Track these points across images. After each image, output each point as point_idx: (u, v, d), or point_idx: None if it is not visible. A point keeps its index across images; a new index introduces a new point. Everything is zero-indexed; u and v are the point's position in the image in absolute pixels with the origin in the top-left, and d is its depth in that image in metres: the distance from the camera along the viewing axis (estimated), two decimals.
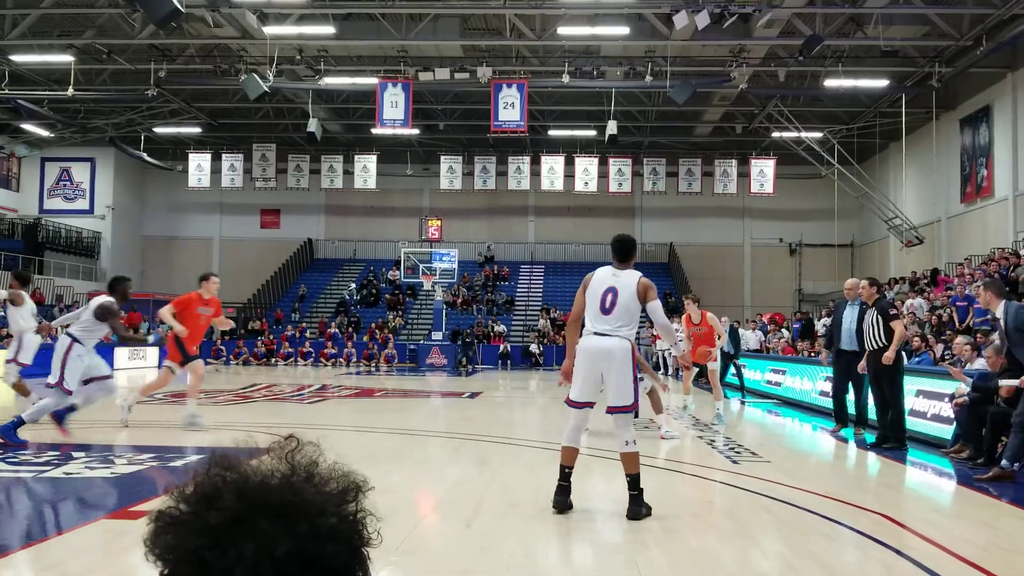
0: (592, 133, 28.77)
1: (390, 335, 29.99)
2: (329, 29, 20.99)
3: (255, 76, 21.80)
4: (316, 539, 0.93)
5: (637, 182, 31.07)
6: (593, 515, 5.82)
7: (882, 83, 23.86)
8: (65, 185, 34.05)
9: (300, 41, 22.09)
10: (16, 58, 22.66)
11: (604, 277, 5.81)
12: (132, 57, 23.36)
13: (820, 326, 19.82)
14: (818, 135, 28.81)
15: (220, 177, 31.16)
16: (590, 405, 5.77)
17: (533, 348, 29.85)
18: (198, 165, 31.21)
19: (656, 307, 5.77)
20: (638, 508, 5.59)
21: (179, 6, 16.03)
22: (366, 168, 30.56)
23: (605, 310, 5.66)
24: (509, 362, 29.05)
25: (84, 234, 33.69)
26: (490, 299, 33.50)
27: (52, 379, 8.58)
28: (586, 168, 30.03)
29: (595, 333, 5.68)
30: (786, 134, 28.57)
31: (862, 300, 9.94)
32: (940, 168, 26.01)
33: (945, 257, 24.95)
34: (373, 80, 23.42)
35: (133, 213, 35.76)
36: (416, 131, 27.82)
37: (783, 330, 22.80)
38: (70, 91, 23.25)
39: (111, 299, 8.90)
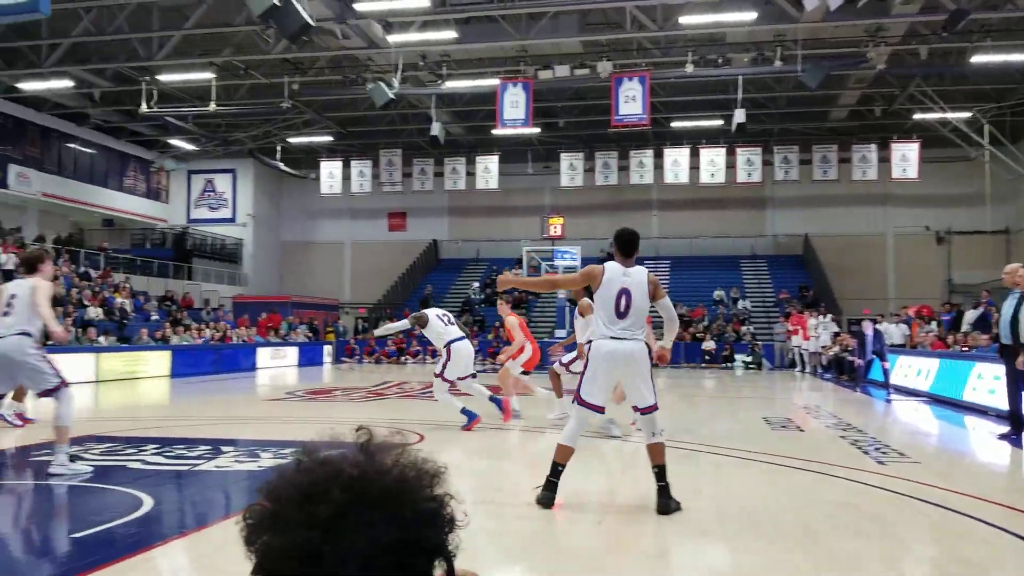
0: (718, 123, 28.04)
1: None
2: (451, 34, 21.30)
3: (381, 84, 22.38)
4: (416, 525, 0.96)
5: (767, 172, 30.06)
6: (726, 517, 5.63)
7: None
8: (210, 195, 36.02)
9: (423, 47, 22.52)
10: (162, 77, 24.11)
11: (614, 277, 5.70)
12: (267, 72, 24.44)
13: (969, 318, 18.57)
14: (966, 115, 27.04)
15: (350, 183, 32.17)
16: (601, 410, 5.75)
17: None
18: (329, 172, 32.34)
19: (667, 303, 5.86)
20: (666, 501, 5.55)
21: (309, 21, 16.64)
22: (488, 169, 30.86)
23: (620, 314, 5.62)
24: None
25: (227, 241, 35.55)
26: None
27: None
28: (712, 159, 29.29)
29: (612, 337, 5.63)
30: (930, 115, 26.95)
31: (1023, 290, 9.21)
32: None
33: None
34: (494, 81, 23.62)
35: (271, 220, 37.43)
36: (536, 130, 27.88)
37: (932, 323, 21.54)
38: (212, 106, 24.58)
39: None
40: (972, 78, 24.91)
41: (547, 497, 5.67)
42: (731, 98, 24.50)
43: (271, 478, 1.00)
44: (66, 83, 24.75)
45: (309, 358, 28.64)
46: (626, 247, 5.83)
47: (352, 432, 1.08)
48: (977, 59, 21.76)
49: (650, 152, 30.17)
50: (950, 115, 26.65)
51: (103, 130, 30.73)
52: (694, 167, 29.42)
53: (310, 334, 30.92)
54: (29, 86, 24.64)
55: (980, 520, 5.33)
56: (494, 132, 26.47)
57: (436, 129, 25.25)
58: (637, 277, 5.72)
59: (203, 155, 33.99)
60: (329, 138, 31.94)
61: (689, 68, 22.18)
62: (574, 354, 10.27)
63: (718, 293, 32.36)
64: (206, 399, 14.77)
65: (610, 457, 8.36)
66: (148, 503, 5.84)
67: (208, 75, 23.73)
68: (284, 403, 12.88)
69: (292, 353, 27.93)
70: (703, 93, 27.17)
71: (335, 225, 37.73)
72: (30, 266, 7.19)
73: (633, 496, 6.31)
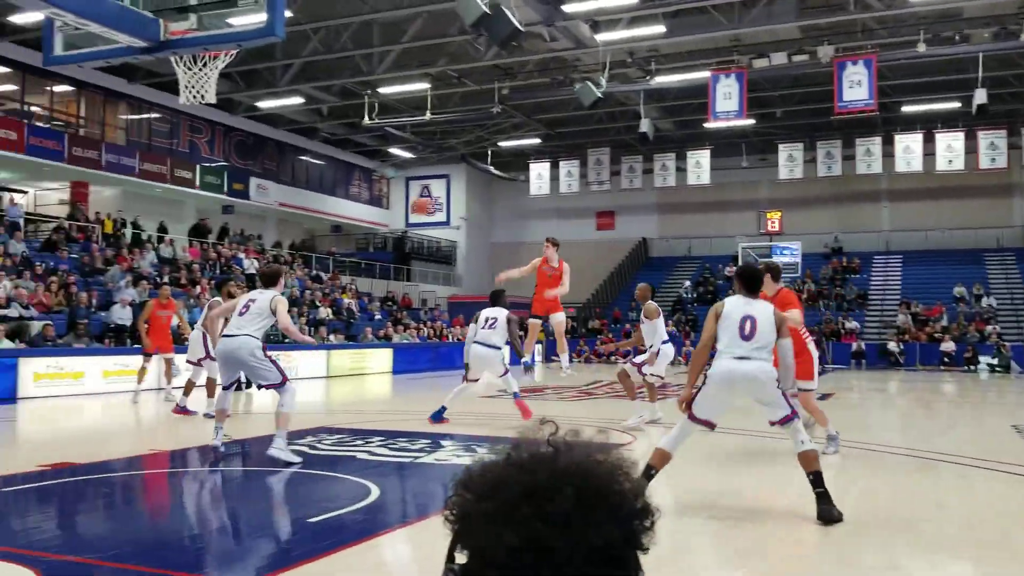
0: (955, 105, 25.66)
1: None
2: (659, 28, 20.93)
3: (588, 84, 22.40)
4: (630, 521, 0.97)
5: (1014, 156, 27.15)
6: (972, 532, 5.04)
7: None
8: (426, 200, 37.74)
9: (631, 44, 22.30)
10: (383, 90, 25.50)
11: (737, 305, 5.74)
12: (479, 78, 25.19)
13: None
14: None
15: (558, 183, 32.52)
16: (710, 426, 5.68)
17: (891, 346, 27.36)
18: (538, 174, 32.85)
19: (787, 345, 5.72)
20: (828, 507, 5.28)
21: (519, 26, 16.93)
22: (699, 164, 30.07)
23: (745, 336, 5.60)
24: (864, 361, 26.92)
25: (442, 244, 37.08)
26: (839, 293, 31.30)
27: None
28: (949, 144, 26.84)
29: (735, 357, 5.58)
30: None
31: None
32: None
33: None
34: (705, 74, 22.96)
35: (483, 222, 38.61)
36: (751, 121, 26.81)
37: None
38: (427, 115, 25.68)
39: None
40: None
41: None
42: (970, 77, 22.34)
43: (475, 473, 1.01)
44: (298, 100, 26.79)
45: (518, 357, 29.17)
46: (750, 283, 5.84)
47: (555, 428, 1.06)
48: None
49: (878, 139, 28.16)
50: None
51: (330, 142, 33.01)
52: (929, 154, 27.12)
53: (521, 333, 31.51)
54: (266, 104, 26.88)
55: None
56: (705, 126, 25.76)
57: (645, 126, 24.92)
58: (762, 308, 5.74)
59: (420, 162, 35.63)
60: (538, 140, 32.45)
61: (921, 48, 20.44)
62: (646, 356, 10.42)
63: (958, 290, 29.64)
64: (425, 395, 15.40)
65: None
66: (375, 492, 6.09)
67: (424, 85, 24.82)
68: (496, 400, 13.16)
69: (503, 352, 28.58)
70: (937, 74, 24.97)
71: (544, 225, 38.24)
72: (271, 280, 7.82)
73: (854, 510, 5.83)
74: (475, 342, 10.50)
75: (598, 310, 33.92)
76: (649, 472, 5.62)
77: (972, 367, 25.26)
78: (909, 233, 32.56)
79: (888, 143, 27.78)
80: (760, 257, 28.80)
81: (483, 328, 10.48)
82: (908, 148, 27.32)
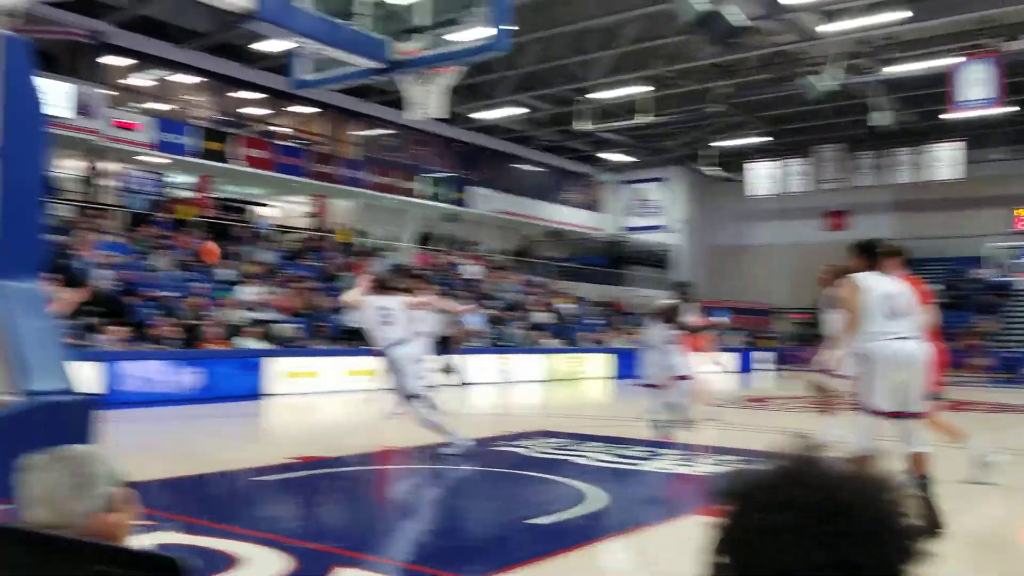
0: None
1: (981, 342, 26.65)
2: (902, 14, 19.44)
3: (814, 78, 21.29)
4: (915, 537, 0.96)
5: None
6: None
7: None
8: (641, 204, 37.46)
9: (863, 33, 20.93)
10: (598, 95, 25.60)
11: (879, 281, 5.33)
12: (697, 78, 24.65)
13: None
14: None
15: (782, 183, 31.17)
16: (888, 415, 5.19)
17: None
18: (760, 174, 31.67)
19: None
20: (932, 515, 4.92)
21: (740, 22, 16.39)
22: (941, 157, 27.69)
23: (899, 312, 5.20)
24: None
25: (659, 248, 36.66)
26: None
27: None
28: None
29: (897, 337, 5.16)
30: None
31: None
32: None
33: None
34: (950, 60, 21.09)
35: (701, 225, 37.74)
36: (1010, 109, 24.29)
37: None
38: (644, 119, 25.50)
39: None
40: None
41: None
42: None
43: (755, 486, 0.98)
44: (516, 110, 27.49)
45: (744, 364, 28.30)
46: (871, 254, 5.52)
47: (820, 444, 1.02)
48: None
49: None
50: None
51: (546, 149, 33.60)
52: None
53: (749, 340, 30.59)
54: (485, 115, 27.82)
55: None
56: (945, 117, 23.68)
57: (878, 118, 23.30)
58: (903, 283, 5.41)
59: (635, 165, 35.44)
60: (760, 139, 31.29)
61: None
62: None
63: None
64: (643, 401, 15.26)
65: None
66: (592, 497, 6.08)
67: (640, 88, 24.65)
68: (720, 409, 12.78)
69: (727, 359, 27.80)
70: None
71: (766, 227, 36.82)
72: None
73: None
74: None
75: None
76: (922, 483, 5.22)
77: None
78: None
79: None
80: (1012, 260, 26.10)
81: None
82: None
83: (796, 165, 30.88)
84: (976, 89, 20.33)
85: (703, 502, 6.06)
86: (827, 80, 21.27)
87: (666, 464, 7.80)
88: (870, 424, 5.26)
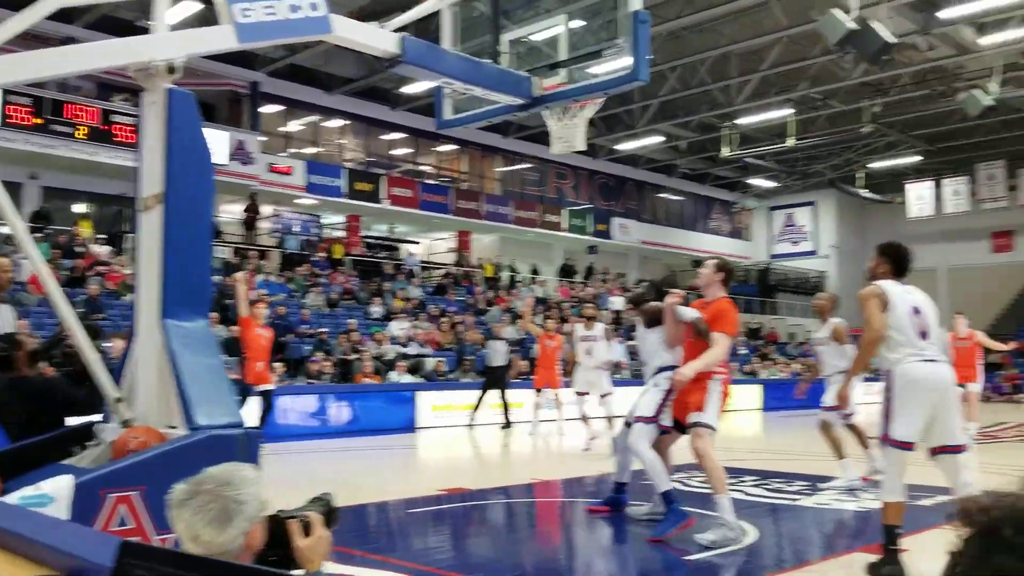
0: None
1: None
2: None
3: (975, 92, 20.11)
4: None
5: None
6: None
7: None
8: (790, 229, 36.24)
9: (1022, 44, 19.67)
10: (741, 120, 25.08)
11: (902, 294, 4.81)
12: (845, 98, 23.80)
13: None
14: None
15: (942, 203, 29.48)
16: (912, 447, 4.63)
17: None
18: (918, 194, 30.12)
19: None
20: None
21: (890, 39, 15.71)
22: None
23: (925, 333, 4.73)
24: None
25: (810, 274, 35.27)
26: None
27: None
28: None
29: (927, 360, 4.63)
30: None
31: None
32: None
33: None
34: None
35: (855, 250, 36.08)
36: None
37: None
38: (790, 142, 24.77)
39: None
40: None
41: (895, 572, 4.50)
42: None
43: (1011, 520, 0.87)
44: (657, 139, 27.31)
45: None
46: (901, 263, 5.00)
47: None
48: None
49: None
50: None
51: (689, 177, 33.16)
52: None
53: None
54: (626, 146, 27.77)
55: None
56: None
57: None
58: (925, 297, 4.94)
59: (783, 190, 34.40)
60: (916, 158, 29.74)
61: None
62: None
63: None
64: (797, 433, 14.64)
65: None
66: (752, 534, 5.86)
67: (785, 111, 24.00)
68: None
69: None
70: None
71: (927, 250, 34.67)
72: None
73: None
74: None
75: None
76: (895, 534, 4.63)
77: None
78: None
79: None
80: None
81: None
82: None
83: (956, 184, 29.13)
84: None
85: (867, 539, 5.72)
86: (987, 94, 20.06)
87: (826, 499, 7.43)
88: (900, 459, 4.68)
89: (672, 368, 6.09)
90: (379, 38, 5.27)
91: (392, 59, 5.32)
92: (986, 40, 19.11)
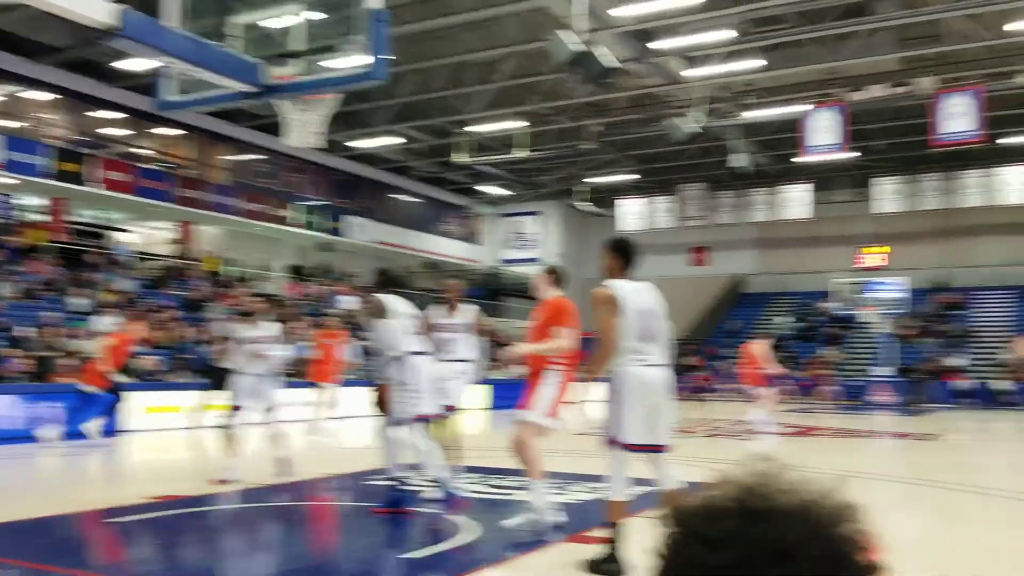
0: None
1: (829, 371, 28.26)
2: (757, 62, 20.67)
3: (679, 120, 22.28)
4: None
5: None
6: None
7: None
8: (518, 236, 37.94)
9: (725, 79, 22.09)
10: (476, 128, 25.88)
11: (632, 295, 4.98)
12: (572, 116, 25.32)
13: None
14: None
15: (650, 219, 32.28)
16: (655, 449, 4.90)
17: (998, 385, 26.04)
18: (629, 209, 32.74)
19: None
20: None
21: (611, 64, 16.94)
22: (795, 198, 29.51)
23: (652, 336, 4.94)
24: (971, 401, 25.72)
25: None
26: (944, 330, 29.95)
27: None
28: None
29: (648, 365, 4.88)
30: None
31: None
32: None
33: None
34: (802, 107, 22.54)
35: (577, 258, 38.54)
36: (854, 154, 26.12)
37: None
38: (522, 153, 25.95)
39: None
40: None
41: (613, 570, 4.74)
42: None
43: (700, 517, 0.88)
44: (395, 140, 27.42)
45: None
46: (631, 258, 5.21)
47: (779, 469, 0.93)
48: None
49: (983, 172, 27.10)
50: None
51: (425, 180, 33.63)
52: None
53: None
54: (363, 144, 27.60)
55: None
56: (798, 160, 25.20)
57: (739, 160, 24.57)
58: (653, 295, 5.11)
59: (513, 199, 35.92)
60: (632, 176, 32.36)
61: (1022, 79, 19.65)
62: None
63: None
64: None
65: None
66: (468, 529, 6.03)
67: (517, 123, 25.10)
68: (590, 438, 13.04)
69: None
70: None
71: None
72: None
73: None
74: None
75: (693, 347, 33.32)
76: (620, 530, 4.78)
77: None
78: (1021, 268, 30.98)
79: (993, 175, 26.70)
80: (859, 293, 27.92)
81: None
82: (1013, 180, 26.24)
83: (663, 202, 32.09)
84: (824, 135, 21.80)
85: (575, 530, 6.12)
86: (690, 122, 22.28)
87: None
88: (624, 460, 4.91)
89: (423, 354, 6.23)
90: (93, 7, 4.82)
91: (108, 31, 4.89)
92: (691, 72, 21.21)
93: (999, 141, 26.12)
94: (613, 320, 4.85)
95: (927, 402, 25.02)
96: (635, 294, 5.03)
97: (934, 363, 27.56)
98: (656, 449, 4.95)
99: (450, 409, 7.45)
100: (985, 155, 27.15)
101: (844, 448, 13.56)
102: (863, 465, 11.02)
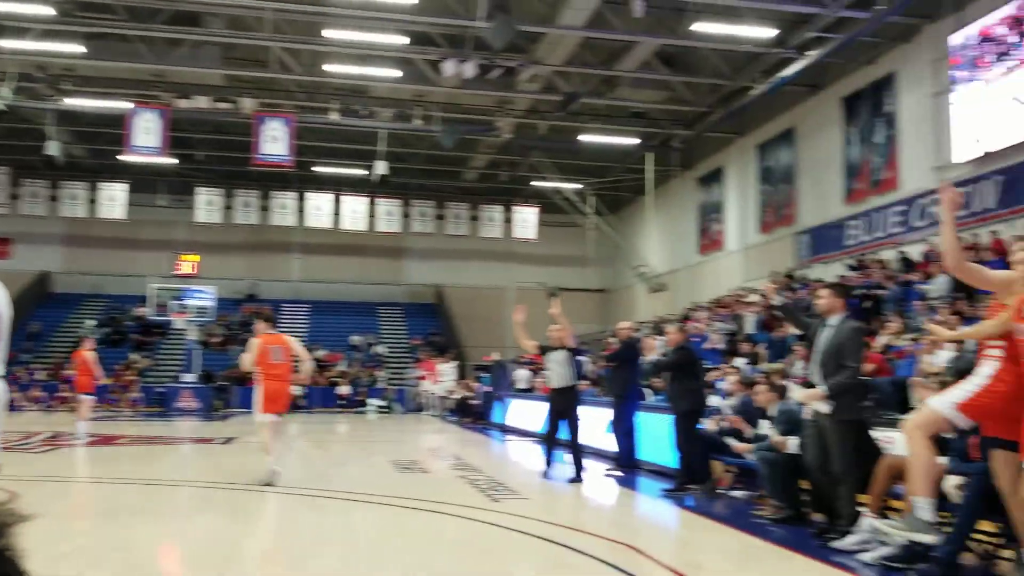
0: (362, 172, 28.61)
1: (136, 377, 27.84)
2: (77, 48, 19.48)
3: None
4: None
5: (405, 223, 31.30)
6: (350, 563, 5.69)
7: (631, 141, 25.71)
8: None
9: (43, 58, 20.32)
10: None
11: None
12: None
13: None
14: (576, 186, 30.63)
15: None
16: None
17: (295, 390, 28.88)
18: None
19: None
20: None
21: None
22: (113, 197, 28.48)
23: None
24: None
25: None
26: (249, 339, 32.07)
27: None
28: (354, 207, 29.79)
29: None
30: (547, 184, 30.06)
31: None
32: (681, 222, 28.51)
33: (685, 302, 27.01)
34: (125, 104, 21.97)
35: None
36: (173, 160, 26.34)
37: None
38: None
39: None
40: (581, 154, 28.19)
41: None
42: (374, 149, 25.20)
43: None
44: None
45: None
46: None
47: None
48: (584, 138, 24.84)
49: (294, 194, 29.99)
50: (563, 185, 30.06)
51: None
52: (336, 213, 29.74)
53: None
54: None
55: (580, 552, 5.94)
56: (121, 158, 24.48)
57: (53, 148, 22.79)
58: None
59: None
60: None
61: (334, 116, 22.49)
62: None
63: (355, 338, 32.73)
64: None
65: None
66: None
67: None
68: None
69: None
70: (348, 142, 27.65)
71: None
72: None
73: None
74: None
75: None
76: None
77: (362, 409, 27.93)
78: (317, 285, 35.06)
79: (302, 199, 29.81)
80: (172, 299, 28.27)
81: None
82: (319, 206, 29.73)
83: None
84: (147, 136, 21.63)
85: None
86: (2, 98, 20.00)
87: None
88: None
89: None
90: None
91: None
92: (5, 44, 19.04)
93: (313, 169, 29.30)
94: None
95: (229, 407, 26.33)
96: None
97: (238, 370, 29.23)
98: None
99: None
100: (301, 179, 30.12)
101: (145, 456, 13.56)
102: (161, 472, 11.20)
